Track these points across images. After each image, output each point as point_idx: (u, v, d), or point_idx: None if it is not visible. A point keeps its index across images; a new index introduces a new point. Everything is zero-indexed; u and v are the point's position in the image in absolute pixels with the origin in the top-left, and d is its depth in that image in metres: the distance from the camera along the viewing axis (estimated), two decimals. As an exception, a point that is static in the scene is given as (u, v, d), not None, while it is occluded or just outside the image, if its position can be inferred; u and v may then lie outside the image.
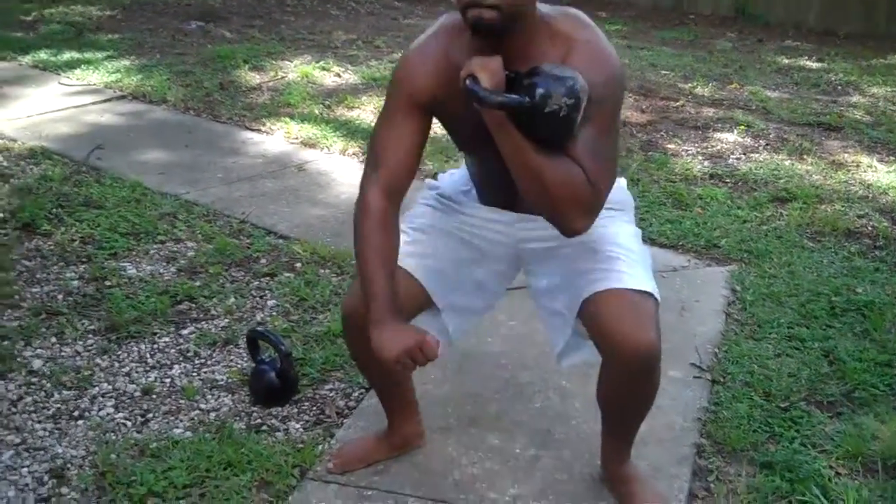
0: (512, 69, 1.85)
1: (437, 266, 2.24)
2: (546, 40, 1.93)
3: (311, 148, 5.05)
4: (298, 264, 3.73)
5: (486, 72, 1.81)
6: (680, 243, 3.95)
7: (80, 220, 4.00)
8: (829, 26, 9.05)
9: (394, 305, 1.97)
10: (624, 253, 2.11)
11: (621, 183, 2.32)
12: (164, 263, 3.72)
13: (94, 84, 6.04)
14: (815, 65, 7.66)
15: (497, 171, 2.00)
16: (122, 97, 5.81)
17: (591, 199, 1.90)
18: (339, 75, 6.36)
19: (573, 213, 1.90)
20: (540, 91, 1.78)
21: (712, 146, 5.20)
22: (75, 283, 3.54)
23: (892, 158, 5.08)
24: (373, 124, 5.17)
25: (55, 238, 3.87)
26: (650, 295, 2.02)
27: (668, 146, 5.18)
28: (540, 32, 1.93)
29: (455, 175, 2.44)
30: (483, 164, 2.20)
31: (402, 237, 2.15)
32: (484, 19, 1.81)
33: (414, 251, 2.23)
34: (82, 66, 6.37)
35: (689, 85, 6.55)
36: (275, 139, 5.17)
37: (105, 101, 5.73)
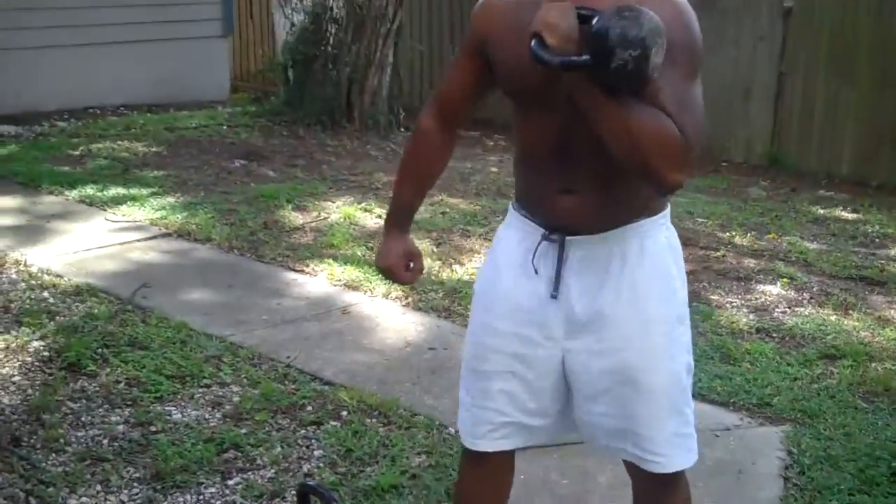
0: (588, 6, 1.82)
1: None
2: None
3: (355, 290, 5.06)
4: (345, 413, 3.69)
5: (550, 29, 1.80)
6: (731, 400, 3.89)
7: (125, 361, 4.01)
8: (862, 176, 9.11)
9: (400, 220, 2.43)
10: (678, 404, 2.18)
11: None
12: (210, 409, 3.69)
13: (140, 221, 6.13)
14: (850, 215, 7.68)
15: (550, 141, 2.06)
16: (167, 235, 5.88)
17: (684, 150, 1.88)
18: (380, 217, 6.42)
19: (667, 166, 1.88)
20: (602, 45, 1.73)
21: (756, 298, 5.18)
22: (120, 427, 3.51)
23: (940, 314, 5.03)
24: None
25: (100, 379, 3.86)
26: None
27: (712, 297, 5.16)
28: None
29: None
30: (537, 131, 2.11)
31: None
32: None
33: None
34: (128, 202, 6.48)
35: (728, 234, 6.57)
36: (318, 281, 5.20)
37: (150, 238, 5.81)
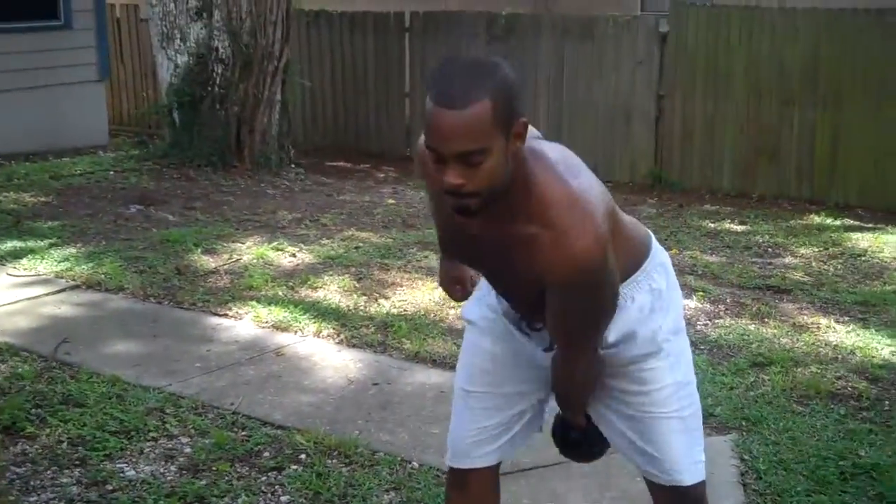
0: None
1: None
2: (526, 204, 1.92)
3: (284, 331, 5.00)
4: (303, 455, 3.65)
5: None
6: (677, 414, 4.00)
7: (64, 420, 3.86)
8: (743, 190, 9.52)
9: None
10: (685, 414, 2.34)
11: (658, 254, 2.37)
12: (163, 462, 3.59)
13: (44, 273, 5.91)
14: (739, 227, 8.01)
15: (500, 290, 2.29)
16: (76, 286, 5.68)
17: (585, 364, 2.19)
18: (294, 255, 6.37)
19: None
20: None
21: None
22: (74, 488, 3.39)
23: (846, 319, 5.30)
24: (341, 303, 5.20)
25: (41, 440, 3.71)
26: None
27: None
28: (521, 196, 1.92)
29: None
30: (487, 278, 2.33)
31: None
32: (469, 207, 1.88)
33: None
34: (28, 255, 6.23)
35: (634, 252, 6.76)
36: (244, 324, 5.11)
37: (59, 291, 5.60)
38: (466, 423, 2.43)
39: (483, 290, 2.40)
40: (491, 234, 1.99)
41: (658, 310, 2.26)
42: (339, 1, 11.97)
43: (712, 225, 8.09)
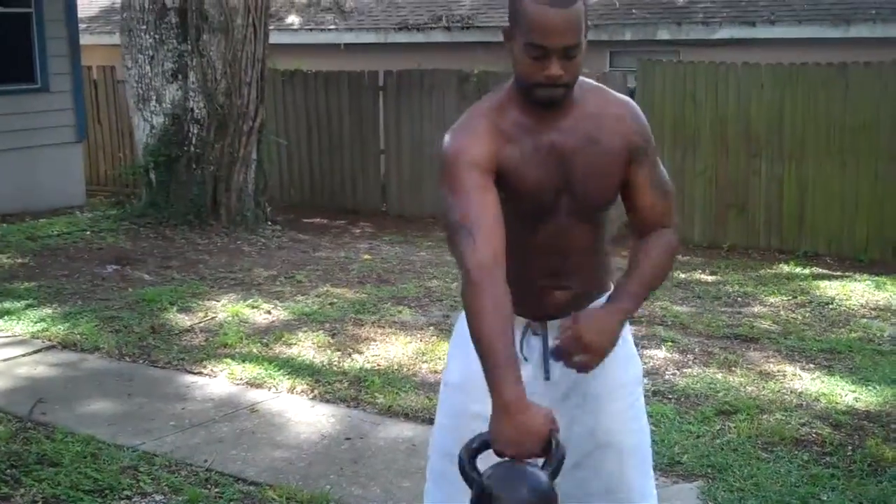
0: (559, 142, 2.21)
1: None
2: (576, 96, 2.20)
3: (258, 388, 5.05)
4: (276, 511, 3.68)
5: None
6: (645, 462, 4.07)
7: (38, 480, 3.89)
8: (713, 241, 9.68)
9: (520, 380, 1.98)
10: (647, 461, 2.41)
11: None
12: (137, 520, 3.62)
13: (20, 335, 5.94)
14: (709, 278, 8.14)
15: (544, 246, 2.26)
16: (52, 347, 5.72)
17: (675, 229, 2.36)
18: (269, 312, 6.43)
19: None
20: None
21: (646, 363, 5.41)
22: (48, 549, 3.40)
23: (811, 366, 5.40)
24: (315, 358, 5.26)
25: (16, 501, 3.74)
26: None
27: (605, 366, 5.38)
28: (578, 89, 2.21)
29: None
30: (533, 238, 2.27)
31: None
32: (557, 97, 2.13)
33: None
34: (4, 316, 6.27)
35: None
36: (219, 381, 5.16)
37: (35, 351, 5.64)
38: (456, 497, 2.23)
39: (465, 347, 2.33)
40: (572, 133, 2.20)
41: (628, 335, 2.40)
42: (313, 61, 12.17)
43: (683, 275, 8.20)
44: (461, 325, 2.45)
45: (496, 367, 1.97)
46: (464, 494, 2.01)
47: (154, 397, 4.93)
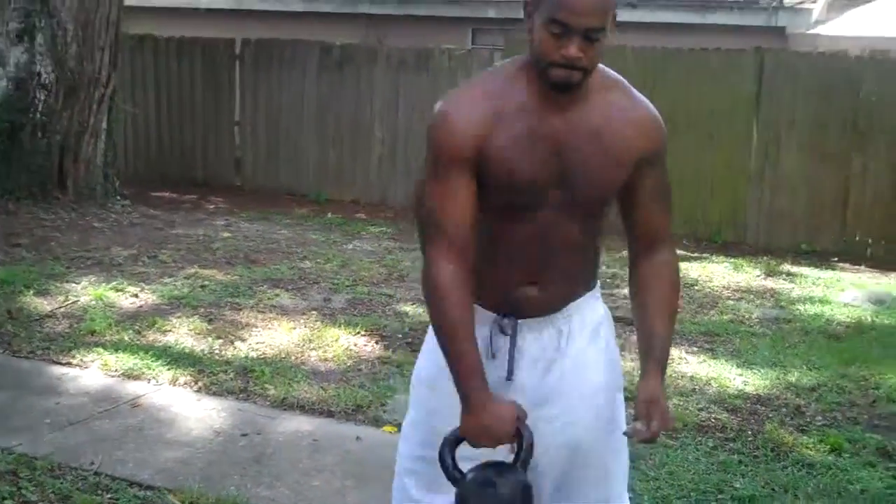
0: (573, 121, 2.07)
1: None
2: (592, 88, 2.08)
3: (137, 380, 4.73)
4: (180, 517, 3.43)
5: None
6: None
7: None
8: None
9: (483, 379, 2.05)
10: (624, 469, 2.34)
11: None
12: (24, 533, 3.30)
13: None
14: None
15: (527, 240, 2.11)
16: None
17: (672, 244, 2.26)
18: (136, 296, 6.05)
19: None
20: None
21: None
22: (-76, 570, 3.05)
23: (695, 349, 5.49)
24: (194, 347, 4.96)
25: None
26: None
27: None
28: (593, 80, 2.09)
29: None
30: (516, 231, 2.13)
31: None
32: (572, 80, 1.99)
33: None
34: None
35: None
36: (92, 373, 4.80)
37: None
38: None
39: (430, 344, 2.26)
40: (577, 124, 2.07)
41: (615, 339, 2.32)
42: (166, 25, 11.60)
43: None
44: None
45: (459, 363, 2.04)
46: (439, 486, 2.14)
47: (23, 391, 4.54)
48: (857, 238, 8.75)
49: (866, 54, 8.75)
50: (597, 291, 2.29)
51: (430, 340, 2.24)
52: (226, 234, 8.33)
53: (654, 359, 2.14)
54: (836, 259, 8.41)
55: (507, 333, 2.19)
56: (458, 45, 11.01)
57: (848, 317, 6.40)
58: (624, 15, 9.94)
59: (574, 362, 2.21)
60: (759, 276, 7.68)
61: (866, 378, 5.08)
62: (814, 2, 10.35)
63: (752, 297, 6.98)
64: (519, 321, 2.18)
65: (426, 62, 10.23)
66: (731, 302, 6.77)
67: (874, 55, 8.72)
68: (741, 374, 5.06)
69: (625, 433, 2.14)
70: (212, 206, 10.32)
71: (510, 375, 2.18)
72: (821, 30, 10.27)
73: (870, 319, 6.36)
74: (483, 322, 2.18)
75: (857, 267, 8.27)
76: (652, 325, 2.16)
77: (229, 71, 11.01)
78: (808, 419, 4.49)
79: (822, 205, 8.78)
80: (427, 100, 10.19)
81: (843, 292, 7.10)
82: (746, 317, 6.35)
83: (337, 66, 10.58)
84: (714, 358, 5.34)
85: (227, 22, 12.07)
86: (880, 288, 7.34)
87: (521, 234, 2.13)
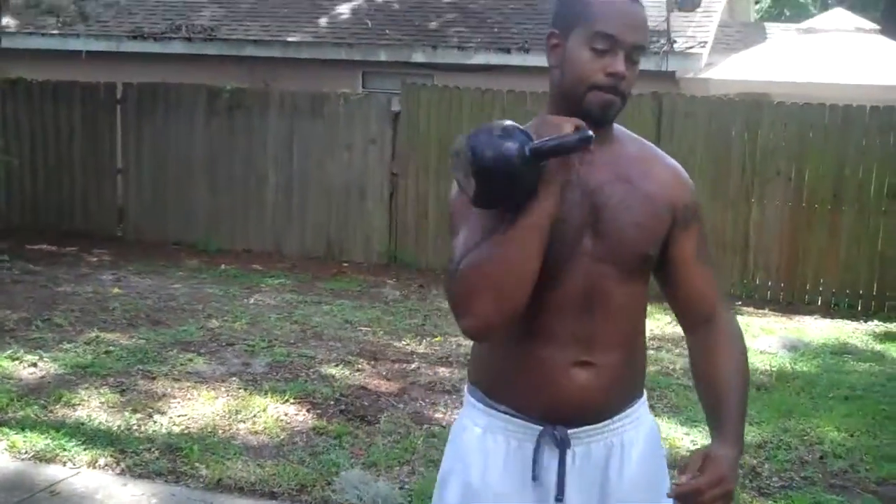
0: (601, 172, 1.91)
1: None
2: (618, 136, 1.97)
3: (51, 462, 4.29)
4: None
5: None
6: None
7: None
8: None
9: None
10: None
11: None
12: None
13: None
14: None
15: (567, 302, 1.88)
16: None
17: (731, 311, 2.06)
18: (35, 365, 5.56)
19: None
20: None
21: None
22: None
23: (635, 406, 5.37)
24: (110, 423, 4.55)
25: None
26: None
27: (436, 416, 5.08)
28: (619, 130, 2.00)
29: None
30: (554, 291, 1.88)
31: None
32: (614, 107, 1.86)
33: None
34: None
35: (403, 343, 6.57)
36: (-2, 457, 4.34)
37: None
38: None
39: (463, 457, 2.01)
40: (606, 169, 1.91)
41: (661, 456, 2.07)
42: (40, 69, 11.00)
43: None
44: (454, 434, 2.07)
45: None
46: None
47: (-80, 484, 4.05)
48: (758, 282, 8.89)
49: (763, 99, 8.96)
50: (645, 397, 2.07)
51: (454, 453, 2.04)
52: (117, 291, 7.84)
53: (728, 426, 1.89)
54: (739, 303, 8.50)
55: (557, 447, 1.93)
56: (349, 89, 10.79)
57: (768, 365, 6.42)
58: (517, 59, 9.97)
59: (629, 489, 1.97)
60: (670, 322, 7.67)
61: (807, 432, 5.06)
62: (703, 46, 10.56)
63: (670, 345, 6.94)
64: (570, 432, 1.92)
65: (321, 107, 9.98)
66: (651, 351, 6.70)
67: (770, 99, 8.95)
68: (688, 433, 4.96)
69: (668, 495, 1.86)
70: (95, 259, 9.75)
71: (560, 495, 1.92)
72: (711, 73, 10.47)
73: (789, 367, 6.41)
74: (525, 436, 1.94)
75: (761, 311, 8.38)
76: (723, 390, 1.93)
77: (110, 116, 10.50)
78: (765, 481, 4.41)
79: (724, 248, 8.88)
80: (322, 145, 9.97)
81: (755, 339, 7.14)
82: (671, 367, 6.30)
83: (227, 110, 10.22)
84: (656, 414, 5.19)
85: (106, 65, 11.51)
86: (790, 333, 7.43)
87: (559, 294, 1.88)
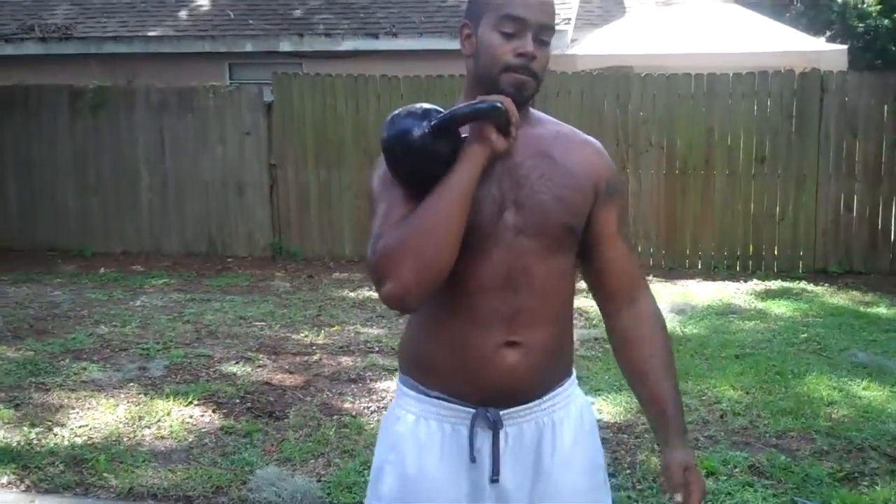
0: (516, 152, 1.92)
1: None
2: (537, 118, 2.03)
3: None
4: None
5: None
6: None
7: None
8: (365, 254, 9.61)
9: None
10: None
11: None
12: None
13: None
14: (374, 293, 8.03)
15: (492, 279, 1.90)
16: None
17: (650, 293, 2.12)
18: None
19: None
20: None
21: (381, 397, 5.18)
22: None
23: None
24: (8, 439, 4.38)
25: None
26: None
27: (345, 406, 5.05)
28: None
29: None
30: (476, 268, 1.89)
31: None
32: (527, 87, 1.90)
33: None
34: None
35: (302, 335, 6.50)
36: None
37: None
38: None
39: (399, 449, 2.00)
40: (529, 143, 1.94)
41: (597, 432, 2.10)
42: None
43: (352, 294, 8.04)
44: (386, 424, 2.06)
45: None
46: None
47: None
48: (640, 249, 9.13)
49: (630, 72, 9.18)
50: (574, 376, 2.09)
51: (389, 445, 2.02)
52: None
53: (674, 426, 1.99)
54: (623, 272, 8.70)
55: (489, 428, 1.94)
56: (217, 81, 10.58)
57: (659, 329, 6.60)
58: (385, 44, 9.94)
59: (560, 467, 1.99)
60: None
61: (705, 392, 5.24)
62: (567, 23, 10.74)
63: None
64: (503, 413, 1.94)
65: (189, 101, 9.74)
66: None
67: (636, 72, 9.18)
68: (593, 402, 5.06)
69: None
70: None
71: (496, 476, 1.94)
72: (577, 49, 10.66)
73: (679, 331, 6.60)
74: (459, 420, 1.95)
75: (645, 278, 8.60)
76: (658, 388, 2.00)
77: (-34, 121, 10.03)
78: (673, 440, 4.54)
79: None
80: (194, 140, 9.74)
81: (643, 305, 7.33)
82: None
83: (91, 110, 9.88)
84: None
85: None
86: (676, 298, 7.66)
87: (482, 271, 1.90)
